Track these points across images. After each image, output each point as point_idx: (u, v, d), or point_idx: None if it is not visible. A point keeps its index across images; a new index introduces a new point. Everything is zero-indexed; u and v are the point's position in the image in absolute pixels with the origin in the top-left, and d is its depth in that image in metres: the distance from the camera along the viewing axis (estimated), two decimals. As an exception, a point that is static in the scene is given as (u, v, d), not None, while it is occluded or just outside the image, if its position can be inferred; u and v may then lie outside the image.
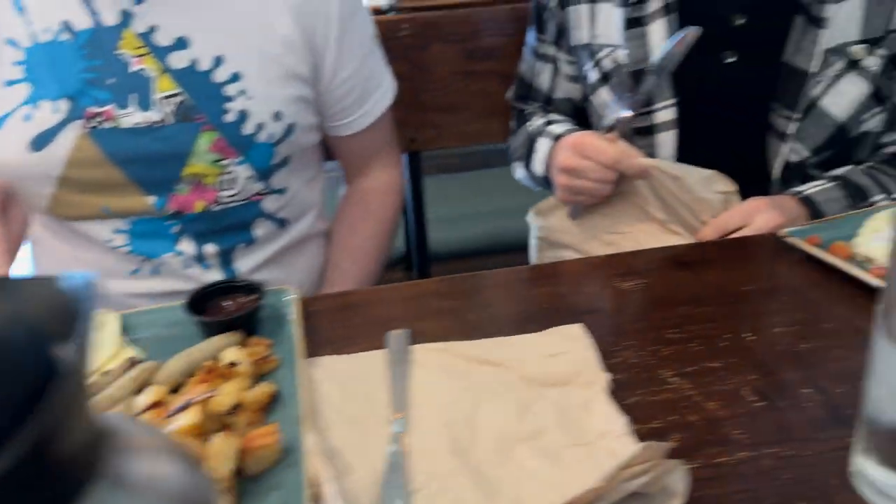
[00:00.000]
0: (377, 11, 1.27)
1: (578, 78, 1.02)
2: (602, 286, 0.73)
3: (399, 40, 1.24)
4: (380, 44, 1.01)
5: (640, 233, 0.88)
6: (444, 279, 0.74)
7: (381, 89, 0.98)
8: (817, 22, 0.84)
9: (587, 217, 0.91)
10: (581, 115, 1.05)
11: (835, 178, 0.92)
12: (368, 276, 1.00)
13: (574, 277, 0.75)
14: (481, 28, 1.26)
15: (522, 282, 0.73)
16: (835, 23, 0.85)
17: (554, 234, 0.94)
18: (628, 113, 0.84)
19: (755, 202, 0.85)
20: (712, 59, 0.90)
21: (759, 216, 0.83)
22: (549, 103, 1.08)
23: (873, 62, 0.87)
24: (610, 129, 0.85)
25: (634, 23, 0.91)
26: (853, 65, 0.87)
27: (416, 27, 1.24)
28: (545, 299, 0.70)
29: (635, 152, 0.83)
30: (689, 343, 0.62)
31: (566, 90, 1.05)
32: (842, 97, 0.88)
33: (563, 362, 0.56)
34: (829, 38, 0.85)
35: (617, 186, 0.87)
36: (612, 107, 0.93)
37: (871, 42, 0.86)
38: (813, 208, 0.88)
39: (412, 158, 1.35)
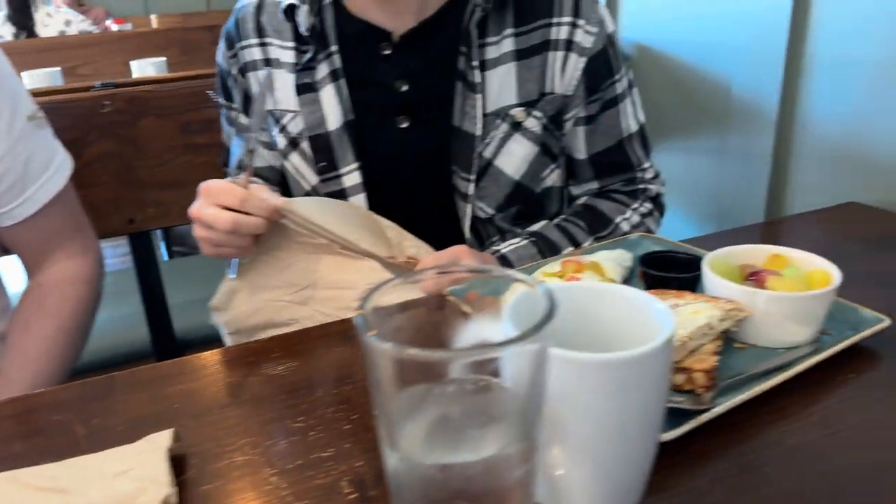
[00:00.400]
0: (74, 90, 1.18)
1: (272, 145, 0.99)
2: (248, 374, 0.67)
3: (103, 117, 1.16)
4: (48, 122, 0.92)
5: (325, 272, 0.83)
6: (67, 387, 0.65)
7: (49, 172, 0.89)
8: (473, 87, 0.87)
9: (257, 285, 0.85)
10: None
11: (530, 235, 0.94)
12: (45, 380, 0.88)
13: (218, 368, 0.69)
14: (195, 101, 1.21)
15: (159, 379, 0.66)
16: (490, 88, 0.88)
17: (242, 322, 0.87)
18: (247, 151, 0.81)
19: (462, 248, 0.84)
20: (388, 123, 0.90)
21: (465, 260, 0.82)
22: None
23: (534, 123, 0.91)
24: (239, 169, 0.81)
25: (306, 88, 0.89)
26: (517, 126, 0.90)
27: (120, 103, 1.16)
28: (176, 398, 0.63)
29: (268, 192, 0.79)
30: (310, 432, 0.58)
31: (264, 157, 1.01)
32: (512, 157, 0.91)
33: (130, 480, 0.49)
34: (487, 102, 0.88)
35: (276, 236, 0.81)
36: (236, 149, 0.90)
37: (527, 105, 0.90)
38: (509, 265, 0.88)
39: (137, 240, 1.26)
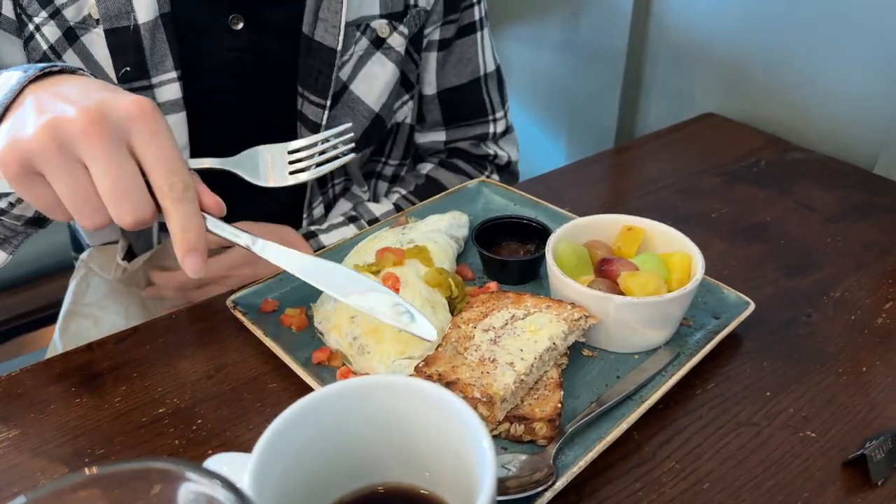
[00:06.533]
0: None
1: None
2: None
3: None
4: None
5: None
6: None
7: None
8: None
9: None
10: None
11: (361, 218, 0.81)
12: None
13: None
14: None
15: None
16: None
17: None
18: None
19: (288, 232, 0.73)
20: (218, 23, 0.67)
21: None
22: None
23: (398, 41, 0.73)
24: None
25: None
26: (378, 43, 0.72)
27: None
28: None
29: None
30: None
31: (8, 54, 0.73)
32: (373, 82, 0.73)
33: None
34: (350, 9, 0.69)
35: None
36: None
37: (392, 17, 0.72)
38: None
39: None
